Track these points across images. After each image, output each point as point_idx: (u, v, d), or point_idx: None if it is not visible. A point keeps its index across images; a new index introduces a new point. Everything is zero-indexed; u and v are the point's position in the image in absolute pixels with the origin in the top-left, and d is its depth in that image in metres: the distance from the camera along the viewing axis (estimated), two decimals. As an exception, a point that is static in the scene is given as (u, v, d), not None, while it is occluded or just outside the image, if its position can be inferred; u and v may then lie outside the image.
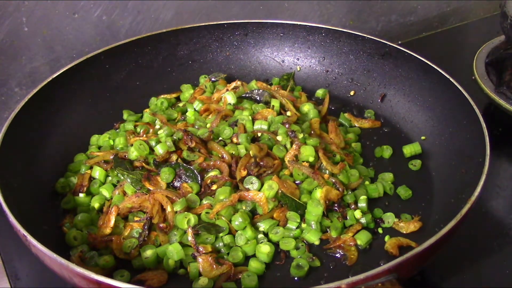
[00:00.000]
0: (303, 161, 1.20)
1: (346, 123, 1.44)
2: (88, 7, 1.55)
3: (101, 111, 1.43)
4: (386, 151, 1.34)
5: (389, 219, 1.16)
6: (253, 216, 1.14)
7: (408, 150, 1.32)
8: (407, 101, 1.44)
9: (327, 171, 1.19)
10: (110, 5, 1.57)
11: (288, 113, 1.34)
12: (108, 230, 1.10)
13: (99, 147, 1.33)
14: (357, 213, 1.15)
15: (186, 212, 1.09)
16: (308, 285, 1.01)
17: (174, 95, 1.51)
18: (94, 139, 1.35)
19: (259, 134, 1.27)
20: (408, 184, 1.24)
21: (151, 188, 1.14)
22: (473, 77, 1.56)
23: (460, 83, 1.28)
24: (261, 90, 1.40)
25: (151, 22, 1.65)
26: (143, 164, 1.20)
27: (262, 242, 1.10)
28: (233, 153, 1.21)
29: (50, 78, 1.32)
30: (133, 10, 1.60)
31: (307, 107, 1.38)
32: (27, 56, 1.53)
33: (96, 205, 1.17)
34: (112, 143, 1.32)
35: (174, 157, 1.21)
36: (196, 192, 1.15)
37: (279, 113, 1.34)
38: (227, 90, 1.42)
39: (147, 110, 1.45)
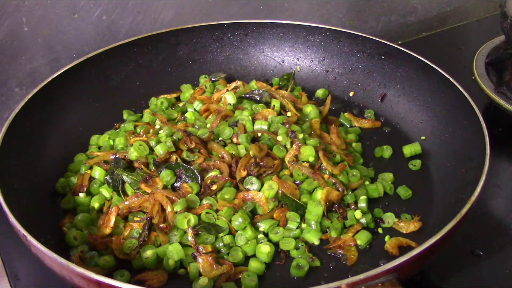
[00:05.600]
0: (303, 161, 1.20)
1: (346, 123, 1.44)
2: (88, 7, 1.55)
3: (101, 111, 1.43)
4: (386, 151, 1.34)
5: (389, 219, 1.16)
6: (253, 216, 1.14)
7: (408, 150, 1.32)
8: (407, 101, 1.44)
9: (327, 171, 1.20)
10: (110, 5, 1.57)
11: (289, 114, 1.34)
12: (108, 230, 1.10)
13: (99, 147, 1.33)
14: (357, 213, 1.15)
15: (186, 212, 1.09)
16: (308, 285, 1.01)
17: (174, 95, 1.51)
18: (94, 139, 1.35)
19: (259, 134, 1.27)
20: (408, 184, 1.24)
21: (148, 191, 1.13)
22: (473, 77, 1.56)
23: (460, 83, 1.28)
24: (261, 90, 1.40)
25: (151, 22, 1.65)
26: (142, 166, 1.19)
27: (262, 242, 1.10)
28: (233, 153, 1.21)
29: (50, 78, 1.32)
30: (133, 10, 1.60)
31: (309, 108, 1.38)
32: (27, 56, 1.53)
33: (96, 205, 1.17)
34: (112, 143, 1.32)
35: (174, 157, 1.21)
36: (196, 192, 1.15)
37: (280, 113, 1.34)
38: (227, 90, 1.42)
39: (147, 110, 1.45)
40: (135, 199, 1.14)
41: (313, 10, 1.89)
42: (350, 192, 1.19)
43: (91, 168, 1.25)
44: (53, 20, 1.52)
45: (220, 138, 1.26)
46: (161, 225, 1.10)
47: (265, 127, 1.28)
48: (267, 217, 1.13)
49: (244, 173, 1.17)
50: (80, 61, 1.39)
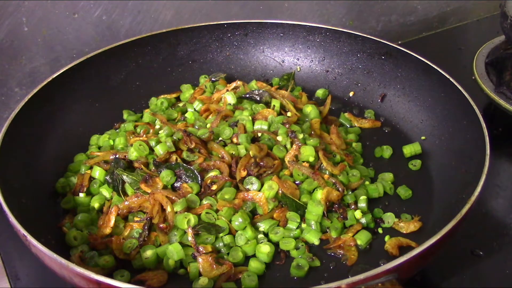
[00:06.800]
0: (303, 162, 1.20)
1: (346, 123, 1.44)
2: (88, 7, 1.55)
3: (101, 111, 1.43)
4: (386, 151, 1.34)
5: (389, 219, 1.16)
6: (253, 216, 1.14)
7: (408, 150, 1.32)
8: (407, 101, 1.44)
9: (327, 171, 1.20)
10: (110, 5, 1.57)
11: (289, 114, 1.34)
12: (108, 230, 1.10)
13: (99, 147, 1.33)
14: (357, 213, 1.15)
15: (186, 213, 1.09)
16: (308, 285, 1.01)
17: (174, 95, 1.51)
18: (94, 139, 1.35)
19: (259, 134, 1.27)
20: (408, 184, 1.24)
21: (148, 191, 1.13)
22: (473, 77, 1.56)
23: (460, 83, 1.28)
24: (261, 90, 1.40)
25: (151, 22, 1.65)
26: (142, 166, 1.19)
27: (262, 242, 1.10)
28: (233, 153, 1.21)
29: (50, 78, 1.32)
30: (133, 10, 1.60)
31: (309, 108, 1.38)
32: (27, 56, 1.53)
33: (96, 205, 1.17)
34: (112, 143, 1.32)
35: (174, 157, 1.21)
36: (196, 193, 1.15)
37: (280, 113, 1.34)
38: (227, 90, 1.42)
39: (147, 110, 1.45)
40: (135, 199, 1.14)
41: (313, 10, 1.89)
42: (350, 192, 1.19)
43: (91, 168, 1.25)
44: (53, 20, 1.52)
45: (220, 138, 1.26)
46: (161, 225, 1.10)
47: (265, 127, 1.28)
48: (267, 217, 1.13)
49: (244, 173, 1.17)
50: (80, 61, 1.39)
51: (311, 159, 1.20)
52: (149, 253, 1.06)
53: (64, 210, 1.18)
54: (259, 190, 1.15)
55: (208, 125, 1.32)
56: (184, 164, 1.18)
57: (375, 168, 1.30)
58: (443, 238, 0.92)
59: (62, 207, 1.19)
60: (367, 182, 1.24)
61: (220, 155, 1.22)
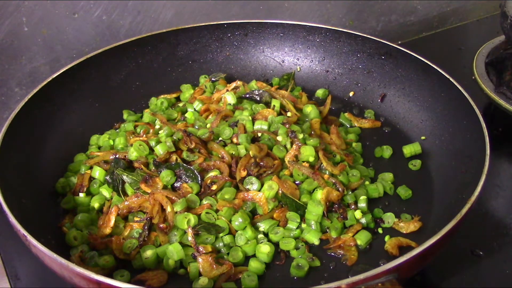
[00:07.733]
0: (303, 161, 1.20)
1: (346, 123, 1.44)
2: (88, 7, 1.55)
3: (101, 111, 1.43)
4: (386, 151, 1.34)
5: (389, 219, 1.16)
6: (253, 216, 1.14)
7: (408, 150, 1.32)
8: (407, 101, 1.44)
9: (327, 171, 1.20)
10: (110, 5, 1.57)
11: (289, 114, 1.34)
12: (108, 230, 1.10)
13: (99, 147, 1.33)
14: (357, 213, 1.15)
15: (186, 213, 1.09)
16: (308, 285, 1.01)
17: (174, 95, 1.51)
18: (94, 139, 1.35)
19: (259, 134, 1.27)
20: (408, 184, 1.24)
21: (148, 191, 1.13)
22: (473, 77, 1.56)
23: (460, 83, 1.28)
24: (261, 90, 1.40)
25: (151, 22, 1.65)
26: (142, 166, 1.19)
27: (262, 242, 1.10)
28: (233, 153, 1.21)
29: (50, 78, 1.32)
30: (133, 10, 1.60)
31: (309, 108, 1.39)
32: (27, 56, 1.53)
33: (96, 205, 1.17)
34: (112, 143, 1.32)
35: (174, 157, 1.21)
36: (196, 193, 1.15)
37: (280, 113, 1.34)
38: (227, 90, 1.42)
39: (147, 110, 1.45)
40: (135, 199, 1.14)
41: (313, 10, 1.89)
42: (350, 192, 1.19)
43: (91, 168, 1.25)
44: (53, 20, 1.52)
45: (220, 138, 1.26)
46: (161, 225, 1.10)
47: (265, 127, 1.28)
48: (267, 217, 1.13)
49: (244, 173, 1.17)
50: (80, 61, 1.40)
51: (311, 159, 1.20)
52: (149, 253, 1.06)
53: (64, 210, 1.18)
54: (259, 190, 1.15)
55: (208, 125, 1.32)
56: (184, 164, 1.18)
57: (375, 168, 1.30)
58: (443, 238, 0.92)
59: (62, 207, 1.19)
60: (367, 182, 1.24)
61: (220, 155, 1.22)
